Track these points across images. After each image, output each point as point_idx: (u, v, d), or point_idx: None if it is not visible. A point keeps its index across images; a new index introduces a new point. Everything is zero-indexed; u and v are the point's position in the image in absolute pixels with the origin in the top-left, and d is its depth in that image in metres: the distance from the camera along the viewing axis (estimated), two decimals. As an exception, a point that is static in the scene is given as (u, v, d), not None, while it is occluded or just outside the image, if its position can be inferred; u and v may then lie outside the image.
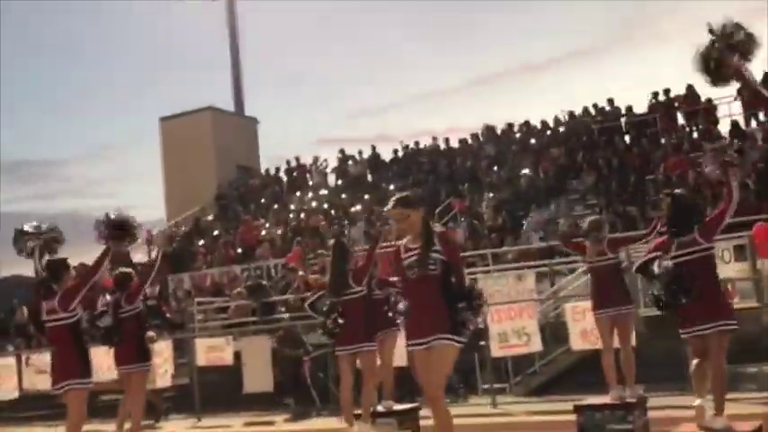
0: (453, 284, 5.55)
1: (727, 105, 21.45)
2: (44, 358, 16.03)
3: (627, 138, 22.50)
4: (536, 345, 11.84)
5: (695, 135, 21.62)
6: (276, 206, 24.95)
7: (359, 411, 8.19)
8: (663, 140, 21.65)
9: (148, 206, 53.47)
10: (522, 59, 64.64)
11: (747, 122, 21.25)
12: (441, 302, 5.46)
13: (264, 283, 17.13)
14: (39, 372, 16.12)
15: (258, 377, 13.72)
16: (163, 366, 14.56)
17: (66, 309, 7.44)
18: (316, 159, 27.70)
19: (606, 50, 60.04)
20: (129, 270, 9.73)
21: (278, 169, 29.04)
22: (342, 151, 27.52)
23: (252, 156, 32.05)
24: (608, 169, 20.42)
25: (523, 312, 11.70)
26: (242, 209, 26.94)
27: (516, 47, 63.23)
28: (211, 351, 14.26)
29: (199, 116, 30.60)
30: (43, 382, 15.96)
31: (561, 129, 23.90)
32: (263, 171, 30.73)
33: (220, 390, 14.37)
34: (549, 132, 24.17)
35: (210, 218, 27.61)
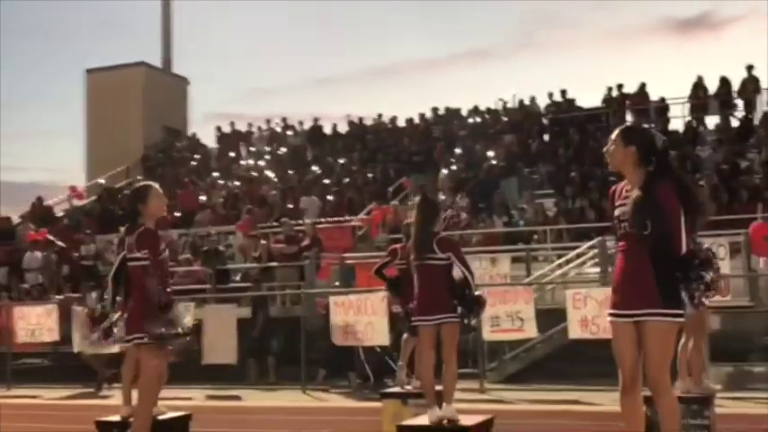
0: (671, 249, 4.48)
1: (681, 106, 21.64)
2: None
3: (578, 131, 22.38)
4: (531, 330, 11.40)
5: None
6: (217, 173, 23.77)
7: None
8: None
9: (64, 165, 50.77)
10: (423, 54, 65.30)
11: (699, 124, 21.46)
12: (649, 270, 4.51)
13: (222, 249, 16.15)
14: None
15: (220, 348, 12.81)
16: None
17: None
18: (260, 128, 26.64)
19: (508, 53, 61.36)
20: None
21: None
22: (284, 120, 26.63)
23: (180, 117, 30.62)
24: (564, 159, 20.25)
25: (519, 297, 11.22)
26: (171, 172, 25.69)
27: (417, 41, 63.63)
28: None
29: (130, 71, 28.93)
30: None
31: (505, 118, 23.77)
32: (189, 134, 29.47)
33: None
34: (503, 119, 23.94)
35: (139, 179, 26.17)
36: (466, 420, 6.11)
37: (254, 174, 23.11)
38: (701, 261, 4.58)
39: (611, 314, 4.69)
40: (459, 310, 6.56)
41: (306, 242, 15.18)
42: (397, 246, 9.15)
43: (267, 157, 25.01)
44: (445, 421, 6.08)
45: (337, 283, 14.47)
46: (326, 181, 21.41)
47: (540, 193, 19.03)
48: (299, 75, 68.56)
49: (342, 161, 23.06)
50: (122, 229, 6.49)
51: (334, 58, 64.99)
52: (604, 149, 4.86)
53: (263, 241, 15.83)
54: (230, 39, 65.58)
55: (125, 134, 27.93)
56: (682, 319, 4.55)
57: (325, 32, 64.93)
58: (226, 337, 12.81)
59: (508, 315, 11.20)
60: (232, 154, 26.01)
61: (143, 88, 28.75)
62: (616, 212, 4.70)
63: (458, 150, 22.49)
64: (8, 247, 20.55)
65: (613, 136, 4.78)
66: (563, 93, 23.06)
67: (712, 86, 21.29)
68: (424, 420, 6.15)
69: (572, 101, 23.01)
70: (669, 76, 50.59)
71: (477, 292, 6.63)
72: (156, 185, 6.30)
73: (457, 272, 6.62)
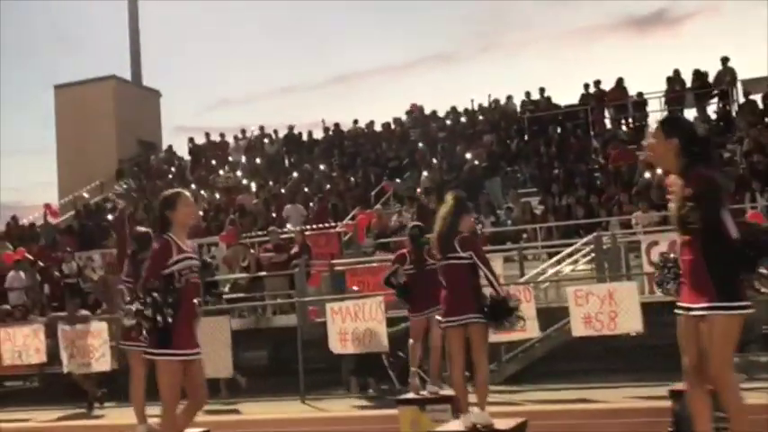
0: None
1: (658, 100, 21.70)
2: None
3: (558, 128, 22.39)
4: (533, 330, 11.28)
5: (624, 128, 21.90)
6: (194, 185, 23.45)
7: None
8: (592, 132, 21.77)
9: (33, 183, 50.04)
10: (381, 61, 65.74)
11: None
12: (703, 264, 4.42)
13: (210, 260, 15.83)
14: None
15: (215, 361, 12.52)
16: (99, 349, 13.18)
17: None
18: (235, 137, 26.37)
19: (469, 56, 61.99)
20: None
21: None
22: (261, 128, 26.40)
23: (153, 130, 30.23)
24: (546, 157, 20.22)
25: (520, 295, 11.07)
26: (147, 185, 25.36)
27: (375, 48, 64.07)
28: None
29: (100, 85, 28.56)
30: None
31: (481, 117, 23.76)
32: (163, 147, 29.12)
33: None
34: (479, 118, 23.90)
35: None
36: (500, 425, 5.95)
37: (233, 184, 22.84)
38: (757, 244, 4.40)
39: (676, 307, 4.63)
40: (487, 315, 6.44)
41: (295, 250, 14.96)
42: (405, 251, 9.02)
43: (244, 166, 24.74)
44: (480, 426, 5.93)
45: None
46: (307, 189, 21.18)
47: (524, 192, 19.00)
48: (262, 85, 68.39)
49: (321, 167, 22.85)
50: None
51: (298, 67, 64.96)
52: (642, 143, 4.78)
53: (251, 251, 15.59)
54: (193, 50, 65.08)
55: (98, 149, 27.54)
56: (743, 311, 4.43)
57: (287, 42, 64.94)
58: (220, 350, 12.53)
59: (509, 315, 11.03)
60: (213, 162, 25.70)
61: (114, 102, 28.39)
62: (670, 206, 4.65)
63: (434, 152, 22.42)
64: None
65: (652, 129, 4.68)
66: (541, 91, 23.07)
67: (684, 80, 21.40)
68: (457, 426, 5.98)
69: (549, 99, 23.01)
70: (631, 72, 51.17)
71: (502, 294, 6.51)
72: (186, 193, 6.22)
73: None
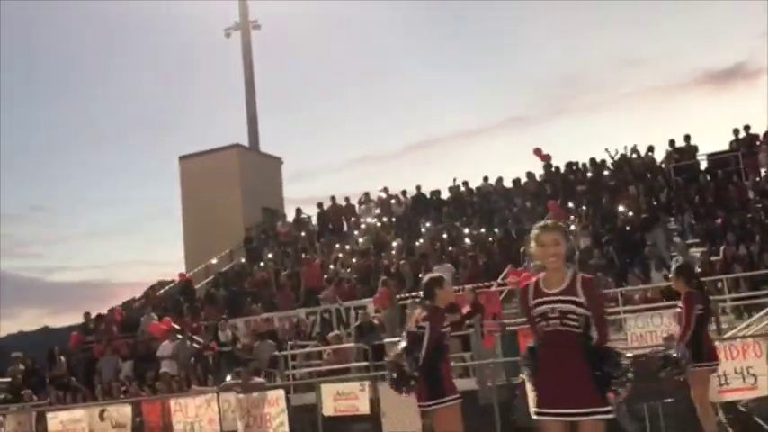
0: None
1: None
2: (124, 411, 14.03)
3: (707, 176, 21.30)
4: (764, 387, 10.25)
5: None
6: (324, 249, 23.09)
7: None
8: (745, 179, 20.65)
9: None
10: (454, 127, 66.12)
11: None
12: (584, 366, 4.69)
13: (376, 323, 15.27)
14: (116, 426, 14.04)
15: (403, 429, 11.81)
16: (277, 418, 12.61)
17: None
18: (360, 200, 26.06)
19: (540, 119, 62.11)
20: None
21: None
22: (385, 190, 26.05)
23: (276, 197, 30.21)
24: (703, 207, 19.17)
25: (748, 350, 10.13)
26: (270, 252, 25.16)
27: (448, 115, 64.54)
28: (341, 398, 12.32)
29: (223, 154, 28.71)
30: (121, 439, 13.93)
31: (612, 167, 22.89)
32: (288, 213, 28.98)
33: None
34: (606, 171, 23.05)
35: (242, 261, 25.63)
36: None
37: (370, 245, 22.39)
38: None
39: None
40: None
41: (467, 309, 14.20)
42: None
43: (375, 227, 24.32)
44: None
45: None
46: (452, 248, 20.54)
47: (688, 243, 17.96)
48: (342, 155, 69.16)
49: (457, 224, 22.24)
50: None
51: (371, 137, 65.63)
52: None
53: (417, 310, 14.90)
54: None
55: (225, 217, 27.50)
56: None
57: (359, 112, 66.02)
58: (410, 417, 11.79)
59: (738, 372, 10.08)
60: (344, 226, 25.43)
61: (239, 170, 28.46)
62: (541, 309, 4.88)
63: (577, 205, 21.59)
64: (131, 338, 19.97)
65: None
66: (686, 138, 22.08)
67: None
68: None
69: (695, 147, 22.01)
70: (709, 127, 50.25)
71: None
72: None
73: None
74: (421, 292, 7.04)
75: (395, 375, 6.68)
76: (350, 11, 57.88)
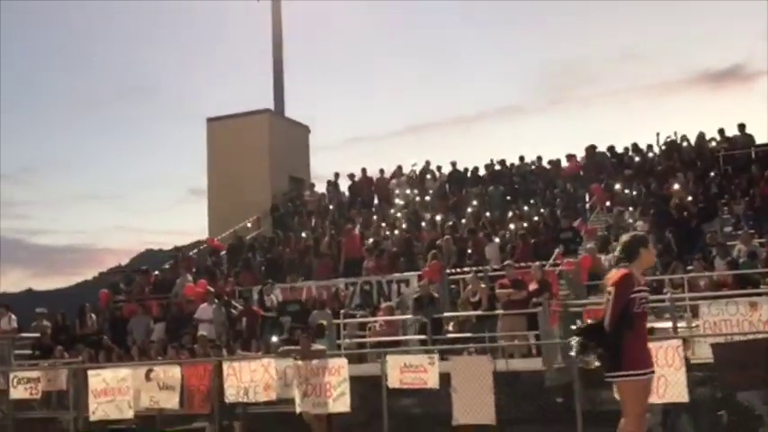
0: None
1: None
2: (172, 372, 13.51)
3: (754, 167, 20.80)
4: None
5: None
6: (363, 221, 22.53)
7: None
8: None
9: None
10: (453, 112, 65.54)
11: None
12: None
13: (437, 295, 14.75)
14: (164, 387, 13.52)
15: (473, 406, 11.35)
16: (338, 388, 12.12)
17: None
18: (395, 172, 25.50)
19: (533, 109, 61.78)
20: None
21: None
22: (427, 162, 25.55)
23: (303, 166, 29.62)
24: (760, 197, 18.68)
25: None
26: (300, 221, 24.61)
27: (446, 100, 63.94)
28: (408, 371, 11.82)
29: (255, 119, 28.10)
30: (169, 400, 13.42)
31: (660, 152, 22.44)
32: (315, 182, 28.40)
33: (419, 419, 11.97)
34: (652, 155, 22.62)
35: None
36: None
37: (408, 219, 21.86)
38: None
39: None
40: None
41: (534, 287, 13.77)
42: None
43: (412, 201, 23.79)
44: None
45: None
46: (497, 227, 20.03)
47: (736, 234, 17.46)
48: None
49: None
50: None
51: (370, 117, 64.72)
52: None
53: (482, 285, 14.43)
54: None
55: (252, 183, 26.95)
56: None
57: (364, 92, 65.40)
58: (481, 394, 11.33)
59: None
60: (375, 199, 24.89)
61: (269, 136, 27.85)
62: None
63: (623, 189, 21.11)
64: (164, 300, 19.43)
65: None
66: (740, 127, 21.58)
67: None
68: None
69: (750, 136, 21.52)
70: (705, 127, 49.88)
71: None
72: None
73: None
74: (617, 251, 6.32)
75: (579, 344, 6.08)
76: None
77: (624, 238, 6.43)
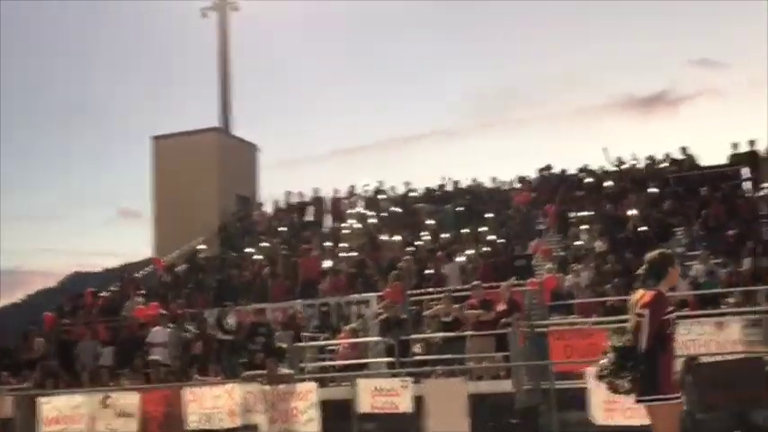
0: None
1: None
2: (131, 398, 12.95)
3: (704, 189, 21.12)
4: None
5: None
6: (315, 242, 22.16)
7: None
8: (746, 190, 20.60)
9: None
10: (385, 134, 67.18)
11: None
12: None
13: (405, 317, 14.48)
14: (121, 414, 12.94)
15: (448, 430, 11.10)
16: (306, 412, 11.76)
17: None
18: (350, 193, 25.23)
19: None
20: None
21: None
22: (379, 183, 25.45)
23: (250, 185, 29.14)
24: (714, 219, 18.93)
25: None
26: (249, 241, 24.13)
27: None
28: (379, 394, 11.53)
29: (202, 137, 27.57)
30: (126, 427, 12.83)
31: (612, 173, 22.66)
32: (264, 202, 27.90)
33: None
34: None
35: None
36: None
37: (361, 240, 21.59)
38: None
39: None
40: None
41: (502, 307, 13.63)
42: None
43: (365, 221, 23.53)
44: None
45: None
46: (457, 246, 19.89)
47: (692, 255, 17.67)
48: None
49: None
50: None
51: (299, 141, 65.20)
52: None
53: (455, 306, 14.21)
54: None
55: (200, 202, 26.39)
56: None
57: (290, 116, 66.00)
58: (456, 417, 11.09)
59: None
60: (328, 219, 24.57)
61: (217, 154, 27.35)
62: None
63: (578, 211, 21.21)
64: (113, 323, 18.74)
65: None
66: (682, 150, 21.97)
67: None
68: None
69: (694, 158, 21.90)
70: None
71: None
72: None
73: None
74: (643, 269, 6.09)
75: (609, 368, 5.88)
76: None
77: (651, 256, 6.23)
